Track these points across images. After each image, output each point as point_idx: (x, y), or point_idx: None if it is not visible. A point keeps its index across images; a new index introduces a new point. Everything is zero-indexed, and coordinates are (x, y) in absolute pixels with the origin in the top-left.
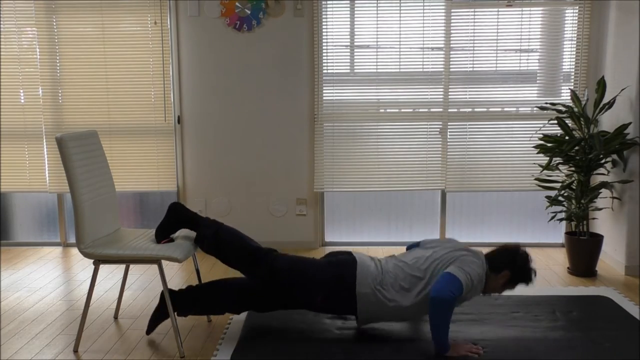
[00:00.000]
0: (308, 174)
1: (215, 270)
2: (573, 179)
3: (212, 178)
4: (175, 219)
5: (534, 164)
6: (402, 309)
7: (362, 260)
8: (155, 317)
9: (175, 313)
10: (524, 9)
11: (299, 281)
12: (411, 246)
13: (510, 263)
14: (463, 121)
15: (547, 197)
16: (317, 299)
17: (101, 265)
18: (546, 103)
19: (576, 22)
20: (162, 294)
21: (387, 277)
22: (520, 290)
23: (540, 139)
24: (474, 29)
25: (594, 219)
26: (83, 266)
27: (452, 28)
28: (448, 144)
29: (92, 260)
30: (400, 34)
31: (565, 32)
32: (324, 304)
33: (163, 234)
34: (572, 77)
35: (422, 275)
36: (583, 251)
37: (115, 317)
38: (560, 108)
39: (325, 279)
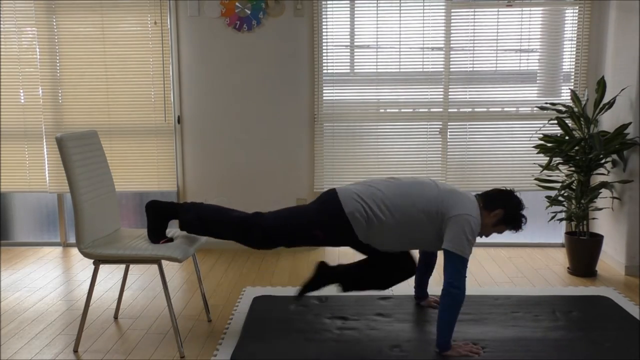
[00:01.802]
0: (308, 173)
1: (215, 270)
2: (573, 179)
3: (212, 178)
4: (156, 215)
5: (534, 164)
6: (398, 221)
7: (342, 187)
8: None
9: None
10: (524, 9)
11: (294, 228)
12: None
13: (505, 203)
14: (463, 121)
15: (547, 197)
16: (317, 235)
17: (101, 265)
18: (546, 103)
19: (576, 22)
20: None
21: (375, 190)
22: (521, 290)
23: (540, 139)
24: (474, 29)
25: (594, 219)
26: (83, 266)
27: (452, 28)
28: (448, 144)
29: (92, 260)
30: (400, 34)
31: (565, 32)
32: (325, 237)
33: (155, 235)
34: (572, 77)
35: (417, 199)
36: (583, 251)
37: (115, 317)
38: (560, 108)
39: (316, 215)
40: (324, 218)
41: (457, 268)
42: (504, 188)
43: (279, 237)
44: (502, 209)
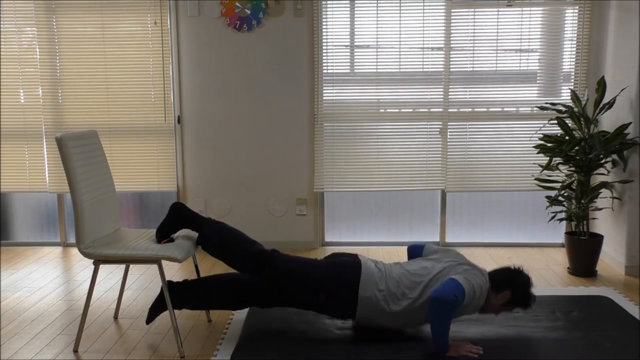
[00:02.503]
0: (308, 174)
1: (215, 270)
2: (573, 179)
3: (212, 178)
4: (176, 218)
5: (534, 164)
6: (399, 314)
7: (366, 264)
8: (155, 308)
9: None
10: (524, 9)
11: (303, 280)
12: (414, 247)
13: (512, 284)
14: (463, 121)
15: (547, 197)
16: (319, 298)
17: (101, 265)
18: (546, 103)
19: (576, 22)
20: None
21: (390, 283)
22: None
23: (540, 139)
24: (474, 29)
25: (594, 219)
26: (83, 266)
27: (452, 28)
28: (448, 144)
29: (92, 260)
30: (400, 34)
31: (565, 32)
32: (326, 303)
33: (164, 234)
34: (572, 77)
35: (425, 284)
36: (583, 251)
37: (115, 317)
38: (560, 108)
39: (329, 279)
40: (335, 286)
41: (450, 287)
42: (512, 267)
43: (286, 281)
44: (509, 291)
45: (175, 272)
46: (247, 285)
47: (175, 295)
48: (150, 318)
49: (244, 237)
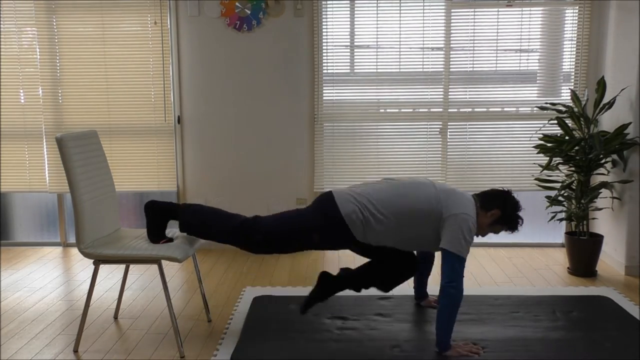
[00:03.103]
0: (308, 174)
1: (215, 270)
2: (573, 179)
3: (212, 178)
4: (155, 215)
5: (534, 164)
6: (393, 221)
7: (338, 190)
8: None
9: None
10: (524, 9)
11: (293, 232)
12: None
13: (502, 203)
14: (463, 121)
15: (547, 197)
16: (314, 238)
17: (101, 265)
18: (546, 103)
19: (576, 22)
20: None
21: (370, 192)
22: (521, 290)
23: (540, 139)
24: (474, 29)
25: (594, 219)
26: (83, 266)
27: (452, 28)
28: (448, 144)
29: (92, 260)
30: (400, 34)
31: (565, 32)
32: (322, 239)
33: (155, 235)
34: (572, 77)
35: (412, 204)
36: (583, 251)
37: (115, 317)
38: (560, 108)
39: (313, 218)
40: (321, 221)
41: (454, 267)
42: (502, 188)
43: (277, 241)
44: (499, 209)
45: (175, 272)
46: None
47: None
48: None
49: (223, 213)
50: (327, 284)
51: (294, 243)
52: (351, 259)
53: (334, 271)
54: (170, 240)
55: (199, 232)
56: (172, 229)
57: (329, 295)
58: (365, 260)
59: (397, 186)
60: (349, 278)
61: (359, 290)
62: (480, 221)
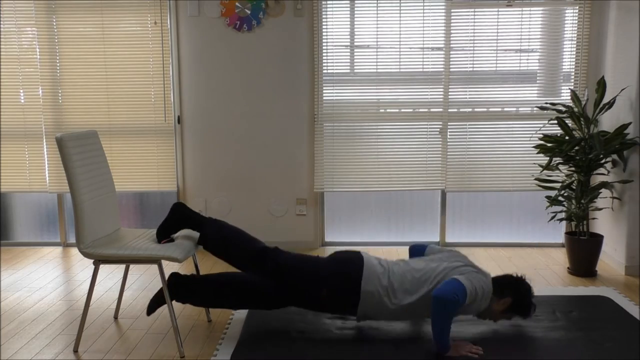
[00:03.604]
0: (308, 174)
1: (215, 270)
2: (573, 179)
3: (212, 178)
4: (178, 218)
5: (534, 164)
6: (400, 308)
7: (368, 260)
8: (156, 301)
9: (174, 300)
10: (524, 9)
11: (306, 275)
12: (415, 247)
13: (515, 291)
14: (463, 121)
15: (547, 197)
16: (322, 293)
17: (101, 265)
18: (546, 103)
19: (576, 22)
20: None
21: (393, 279)
22: None
23: (540, 139)
24: (474, 29)
25: (594, 219)
26: (83, 266)
27: (452, 28)
28: (448, 144)
29: (92, 260)
30: (400, 34)
31: (565, 32)
32: (328, 299)
33: (165, 234)
34: (572, 77)
35: (427, 281)
36: (583, 251)
37: (115, 317)
38: (560, 108)
39: (332, 274)
40: (337, 281)
41: (452, 287)
42: (514, 275)
43: (287, 276)
44: (511, 297)
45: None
46: (251, 285)
47: (179, 289)
48: (150, 309)
49: (245, 235)
50: (176, 283)
51: (301, 286)
52: None
53: None
54: (171, 240)
55: (217, 248)
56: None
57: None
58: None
59: (423, 277)
60: (199, 284)
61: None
62: (492, 308)
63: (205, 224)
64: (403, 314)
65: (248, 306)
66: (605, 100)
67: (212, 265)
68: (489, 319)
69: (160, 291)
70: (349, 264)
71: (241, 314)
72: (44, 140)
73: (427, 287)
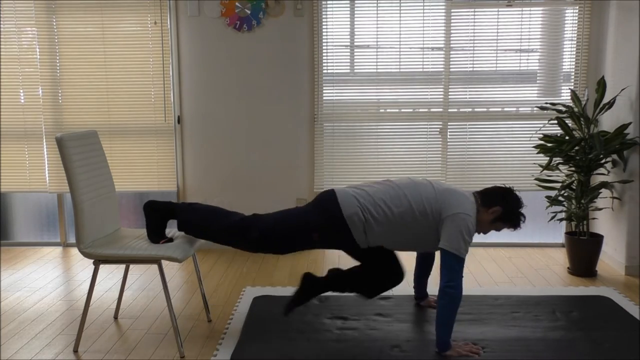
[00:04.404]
0: (308, 173)
1: (215, 270)
2: (573, 179)
3: (212, 178)
4: (154, 216)
5: (534, 164)
6: (394, 219)
7: (340, 189)
8: (297, 300)
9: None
10: (524, 9)
11: (291, 230)
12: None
13: (503, 200)
14: (463, 121)
15: (547, 197)
16: (314, 237)
17: (101, 265)
18: (546, 103)
19: (576, 22)
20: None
21: (372, 194)
22: (521, 290)
23: (541, 139)
24: (474, 29)
25: (594, 219)
26: (83, 266)
27: (452, 28)
28: (448, 144)
29: (92, 260)
30: (400, 34)
31: (565, 32)
32: (321, 239)
33: (155, 235)
34: (572, 77)
35: (408, 197)
36: (583, 251)
37: (115, 317)
38: (560, 108)
39: (313, 217)
40: (322, 220)
41: (453, 267)
42: (503, 185)
43: (275, 239)
44: (500, 206)
45: (175, 272)
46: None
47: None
48: (289, 309)
49: (221, 211)
50: (310, 286)
51: (291, 241)
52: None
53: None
54: (170, 240)
55: (197, 231)
56: (172, 229)
57: (311, 297)
58: (353, 262)
59: (397, 187)
60: (334, 280)
61: (342, 292)
62: (481, 218)
63: (180, 210)
64: (402, 230)
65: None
66: (605, 100)
67: (212, 265)
68: (477, 232)
69: (297, 293)
70: (324, 200)
71: (241, 314)
72: (44, 140)
73: (411, 204)
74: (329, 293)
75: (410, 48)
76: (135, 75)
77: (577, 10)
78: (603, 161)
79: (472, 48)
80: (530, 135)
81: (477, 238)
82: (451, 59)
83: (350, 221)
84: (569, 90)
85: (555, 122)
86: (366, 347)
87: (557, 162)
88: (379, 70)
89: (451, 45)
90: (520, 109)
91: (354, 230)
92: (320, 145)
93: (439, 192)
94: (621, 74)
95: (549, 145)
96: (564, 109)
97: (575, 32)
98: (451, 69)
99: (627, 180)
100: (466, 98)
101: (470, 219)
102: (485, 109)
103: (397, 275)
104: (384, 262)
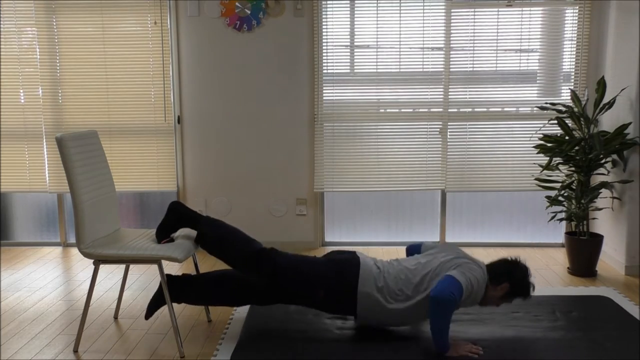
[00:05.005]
0: (308, 174)
1: (215, 269)
2: (573, 179)
3: (212, 178)
4: (175, 218)
5: (534, 164)
6: (399, 311)
7: (364, 261)
8: (154, 303)
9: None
10: (524, 9)
11: (303, 277)
12: (412, 247)
13: (510, 275)
14: (463, 121)
15: (547, 197)
16: (319, 295)
17: (101, 265)
18: (546, 103)
19: (576, 22)
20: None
21: (389, 280)
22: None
23: (540, 139)
24: (474, 29)
25: (594, 219)
26: (83, 266)
27: (452, 28)
28: (448, 144)
29: (92, 260)
30: (400, 34)
31: (565, 32)
32: (326, 300)
33: (164, 233)
34: (572, 77)
35: (422, 281)
36: (583, 251)
37: (115, 317)
38: (560, 108)
39: (328, 276)
40: (334, 282)
41: (448, 285)
42: (509, 258)
43: (285, 279)
44: (508, 283)
45: (175, 272)
46: (245, 282)
47: (174, 290)
48: (149, 313)
49: (242, 235)
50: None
51: (298, 288)
52: None
53: None
54: (171, 240)
55: (213, 247)
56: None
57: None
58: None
59: (421, 275)
60: (192, 283)
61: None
62: (491, 295)
63: (203, 222)
64: (402, 315)
65: (243, 302)
66: (605, 100)
67: (212, 265)
68: (490, 305)
69: (158, 292)
70: (346, 265)
71: (241, 314)
72: (44, 140)
73: (423, 286)
74: None
75: (410, 48)
76: (135, 75)
77: (577, 10)
78: (603, 161)
79: (472, 48)
80: (530, 135)
81: (477, 238)
82: (451, 59)
83: (360, 296)
84: (569, 90)
85: (555, 122)
86: (366, 347)
87: (557, 162)
88: (379, 70)
89: (451, 45)
90: (520, 109)
91: (360, 306)
92: (320, 146)
93: (453, 267)
94: (621, 74)
95: (549, 145)
96: (564, 109)
97: (575, 32)
98: (451, 69)
99: (627, 180)
100: (466, 98)
101: (482, 278)
102: (485, 109)
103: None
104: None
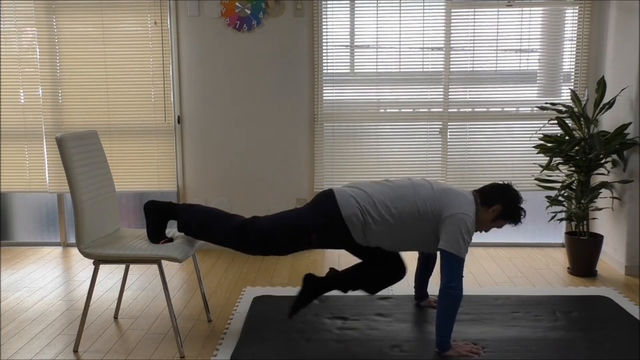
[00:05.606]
0: (308, 174)
1: (215, 270)
2: (573, 179)
3: (212, 178)
4: (157, 215)
5: (534, 164)
6: (393, 220)
7: (338, 189)
8: (300, 302)
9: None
10: (524, 9)
11: (290, 231)
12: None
13: (503, 197)
14: (463, 121)
15: (547, 197)
16: (313, 238)
17: (101, 265)
18: (546, 103)
19: (576, 22)
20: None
21: (372, 194)
22: (521, 290)
23: (540, 139)
24: (474, 29)
25: (594, 219)
26: (83, 266)
27: (452, 28)
28: (448, 144)
29: (92, 260)
30: (400, 34)
31: (565, 32)
32: (320, 240)
33: (155, 235)
34: (572, 77)
35: (410, 206)
36: (583, 251)
37: (115, 317)
38: (560, 108)
39: (312, 218)
40: (320, 221)
41: (453, 268)
42: (501, 182)
43: (275, 241)
44: (500, 204)
45: (175, 272)
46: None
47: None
48: (293, 312)
49: (221, 213)
50: (312, 286)
51: (290, 242)
52: (352, 259)
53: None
54: (170, 240)
55: (197, 232)
56: (172, 229)
57: (314, 298)
58: (355, 260)
59: (396, 188)
60: (336, 279)
61: (345, 291)
62: (482, 217)
63: (180, 211)
64: (401, 231)
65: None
66: (605, 100)
67: (212, 265)
68: (479, 230)
69: (299, 295)
70: (323, 201)
71: (241, 314)
72: (44, 140)
73: (410, 205)
74: (329, 293)
75: (410, 48)
76: (135, 75)
77: (577, 10)
78: (603, 161)
79: (472, 48)
80: (530, 135)
81: (477, 238)
82: (451, 59)
83: (349, 221)
84: (569, 90)
85: (555, 122)
86: (366, 347)
87: (557, 162)
88: (379, 70)
89: (451, 45)
90: (520, 109)
91: (352, 230)
92: (320, 145)
93: (438, 192)
94: (621, 74)
95: (549, 145)
96: (564, 109)
97: (575, 32)
98: (451, 69)
99: (627, 180)
100: (466, 98)
101: (470, 219)
102: (485, 109)
103: (399, 270)
104: (385, 258)
